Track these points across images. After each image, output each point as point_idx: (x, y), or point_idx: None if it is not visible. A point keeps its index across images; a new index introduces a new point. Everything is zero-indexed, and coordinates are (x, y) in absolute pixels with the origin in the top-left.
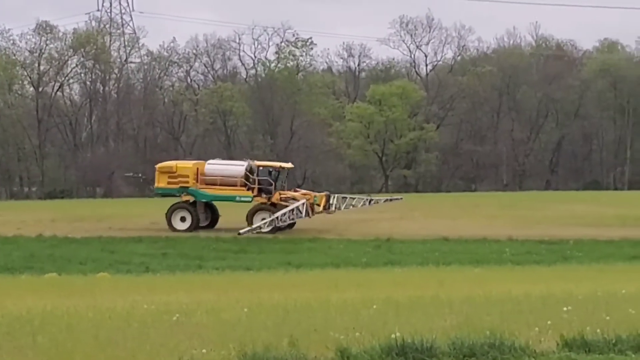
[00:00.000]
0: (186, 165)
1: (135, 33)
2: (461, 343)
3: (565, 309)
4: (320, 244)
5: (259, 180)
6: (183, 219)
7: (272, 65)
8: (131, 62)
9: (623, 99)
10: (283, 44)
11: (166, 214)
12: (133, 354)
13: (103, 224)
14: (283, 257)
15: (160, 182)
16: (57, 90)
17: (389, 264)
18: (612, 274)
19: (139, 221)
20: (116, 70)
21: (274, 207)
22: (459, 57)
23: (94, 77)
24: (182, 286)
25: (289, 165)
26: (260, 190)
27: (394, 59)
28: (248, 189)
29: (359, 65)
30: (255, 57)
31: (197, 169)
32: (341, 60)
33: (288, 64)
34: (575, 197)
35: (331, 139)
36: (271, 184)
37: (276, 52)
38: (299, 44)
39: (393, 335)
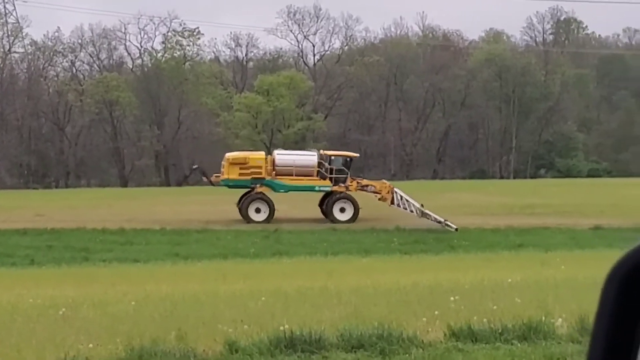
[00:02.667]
0: (258, 156)
1: (18, 22)
2: (350, 334)
3: (452, 298)
4: (209, 235)
5: (336, 169)
6: (258, 210)
7: (159, 55)
8: (14, 52)
9: (508, 89)
10: (170, 33)
11: (240, 206)
12: (18, 349)
13: None
14: (171, 248)
15: (231, 174)
16: None
17: (277, 254)
18: (498, 262)
19: (23, 213)
20: None
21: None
22: (347, 47)
23: None
24: (69, 279)
25: (357, 155)
26: (336, 179)
27: (281, 48)
28: (324, 178)
29: (246, 55)
30: (141, 47)
31: (269, 159)
32: (228, 50)
33: (175, 54)
34: (461, 186)
35: (219, 129)
36: (346, 173)
37: (163, 42)
38: (186, 33)
39: (281, 328)
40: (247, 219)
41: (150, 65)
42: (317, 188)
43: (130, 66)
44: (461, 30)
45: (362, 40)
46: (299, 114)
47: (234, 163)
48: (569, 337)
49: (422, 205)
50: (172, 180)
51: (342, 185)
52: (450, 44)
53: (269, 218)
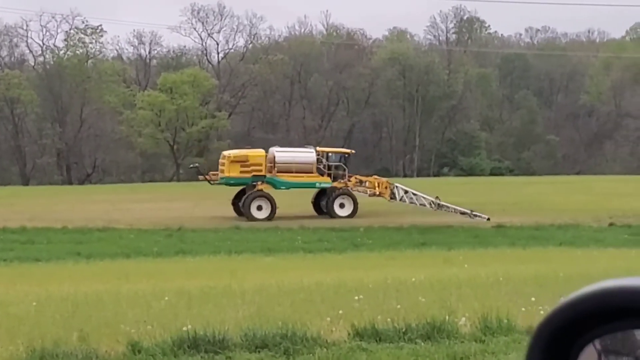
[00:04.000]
0: (259, 153)
1: None
2: (253, 334)
3: (356, 298)
4: (111, 234)
5: (334, 166)
6: (260, 208)
7: (61, 52)
8: None
9: (412, 88)
10: (72, 31)
11: (242, 204)
12: None
13: None
14: (73, 247)
15: (232, 172)
16: None
17: (180, 253)
18: (402, 261)
19: None
20: None
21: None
22: (251, 46)
23: None
24: None
25: (352, 151)
26: (334, 176)
27: (185, 46)
28: (322, 175)
29: (149, 53)
30: (43, 44)
31: (268, 157)
32: (132, 47)
33: (77, 52)
34: None
35: (122, 127)
36: (345, 169)
37: (65, 40)
38: (89, 31)
39: (185, 328)
40: (249, 217)
41: (52, 62)
42: (317, 184)
43: (32, 64)
44: (365, 29)
45: (267, 38)
46: (203, 112)
47: (235, 161)
48: (472, 336)
49: (437, 198)
50: (74, 179)
51: (341, 181)
52: (354, 42)
53: (271, 215)
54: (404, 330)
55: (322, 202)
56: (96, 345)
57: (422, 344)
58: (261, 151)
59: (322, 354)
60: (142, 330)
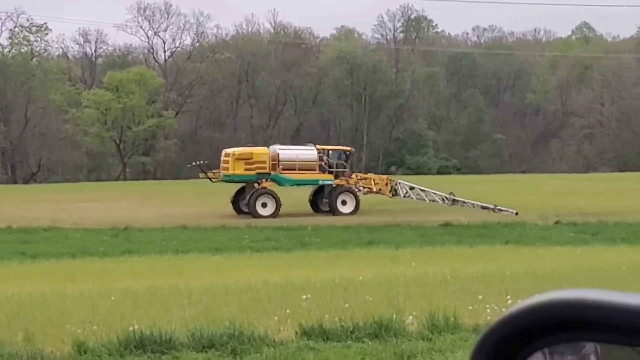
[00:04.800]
0: (263, 151)
1: None
2: (200, 334)
3: (304, 297)
4: (56, 233)
5: (335, 163)
6: (264, 205)
7: (6, 50)
8: None
9: (359, 86)
10: (17, 29)
11: (247, 201)
12: None
13: None
14: (17, 247)
15: (236, 169)
16: None
17: (126, 253)
18: (349, 259)
19: None
20: None
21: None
22: (198, 44)
23: None
24: None
25: (352, 149)
26: (336, 173)
27: (131, 45)
28: (324, 172)
29: (95, 51)
30: None
31: (271, 155)
32: (77, 46)
33: (22, 50)
34: None
35: (67, 126)
36: (345, 167)
37: (9, 38)
38: (33, 29)
39: (131, 328)
40: (255, 214)
41: None
42: (320, 182)
43: None
44: (312, 28)
45: (214, 37)
46: (150, 110)
47: (240, 159)
48: (419, 334)
49: (451, 193)
50: (19, 178)
51: (343, 178)
52: (301, 41)
53: (276, 212)
54: (351, 329)
55: (325, 200)
56: (41, 345)
57: (370, 342)
58: (265, 149)
59: (270, 354)
60: (88, 330)
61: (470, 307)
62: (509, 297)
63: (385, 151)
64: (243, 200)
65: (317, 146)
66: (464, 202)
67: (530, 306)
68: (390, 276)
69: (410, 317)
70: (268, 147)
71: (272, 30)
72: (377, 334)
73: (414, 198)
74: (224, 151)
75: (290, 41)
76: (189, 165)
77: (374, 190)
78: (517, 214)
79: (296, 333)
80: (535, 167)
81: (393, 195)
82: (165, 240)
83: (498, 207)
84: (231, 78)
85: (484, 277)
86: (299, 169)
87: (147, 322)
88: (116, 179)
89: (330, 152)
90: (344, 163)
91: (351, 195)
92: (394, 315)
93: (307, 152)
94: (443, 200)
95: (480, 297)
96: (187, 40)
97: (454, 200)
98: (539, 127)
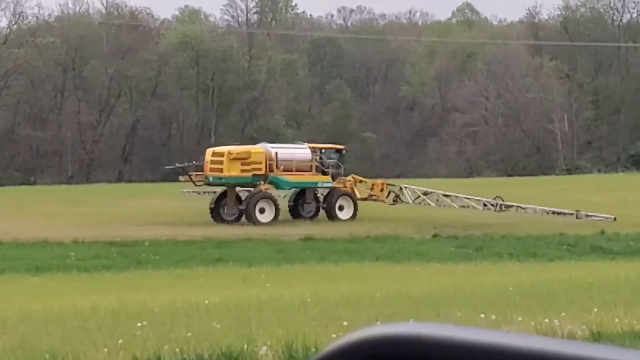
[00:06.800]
0: (260, 150)
1: None
2: None
3: (139, 324)
4: None
5: (330, 164)
6: (262, 211)
7: None
8: None
9: (207, 77)
10: None
11: (245, 207)
12: None
13: None
14: None
15: (232, 170)
16: None
17: None
18: (193, 280)
19: None
20: None
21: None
22: (15, 26)
23: None
24: None
25: (344, 147)
26: (333, 175)
27: None
28: (321, 173)
29: None
30: None
31: (267, 154)
32: None
33: None
34: (151, 190)
35: None
36: (340, 167)
37: None
38: None
39: None
40: (254, 221)
41: None
42: (319, 184)
43: None
44: (151, 8)
45: (34, 18)
46: None
47: (236, 158)
48: None
49: (498, 197)
50: None
51: (340, 180)
52: (138, 23)
53: (275, 218)
54: None
55: (323, 205)
56: None
57: None
58: (260, 147)
59: None
60: None
61: (334, 335)
62: (379, 323)
63: None
64: (225, 207)
65: (309, 145)
66: (519, 207)
67: (348, 344)
68: (241, 299)
69: (264, 348)
70: (254, 145)
71: (103, 11)
72: None
73: (433, 204)
74: (212, 150)
75: (125, 23)
76: (167, 167)
77: (369, 197)
78: (615, 219)
79: None
80: (410, 171)
81: (394, 202)
82: None
83: (585, 213)
84: (55, 66)
85: (350, 300)
86: (296, 170)
87: None
88: None
89: (323, 150)
90: (339, 163)
91: (349, 199)
92: (245, 346)
93: (302, 151)
94: (487, 206)
95: (345, 323)
96: (3, 22)
97: (502, 205)
98: (415, 124)
